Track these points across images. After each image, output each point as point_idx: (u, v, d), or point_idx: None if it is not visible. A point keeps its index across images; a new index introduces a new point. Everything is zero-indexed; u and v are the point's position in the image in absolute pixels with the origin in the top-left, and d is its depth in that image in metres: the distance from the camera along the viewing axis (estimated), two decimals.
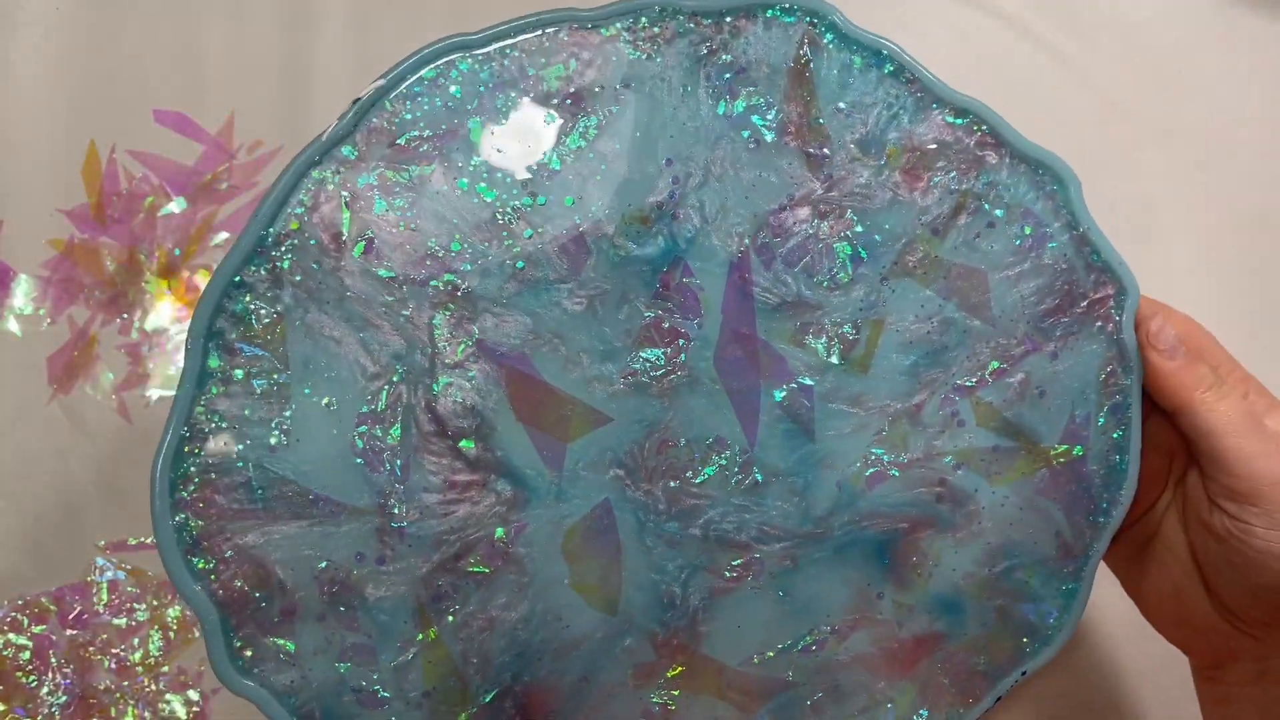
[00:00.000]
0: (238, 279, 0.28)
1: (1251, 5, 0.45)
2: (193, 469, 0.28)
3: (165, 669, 0.41)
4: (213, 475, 0.28)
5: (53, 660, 0.40)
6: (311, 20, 0.43)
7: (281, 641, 0.28)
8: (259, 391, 0.28)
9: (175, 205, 0.42)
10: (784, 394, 0.30)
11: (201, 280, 0.42)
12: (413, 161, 0.28)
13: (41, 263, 0.41)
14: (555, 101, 0.29)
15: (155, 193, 0.42)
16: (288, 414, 0.28)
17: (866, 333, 0.30)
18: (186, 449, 0.28)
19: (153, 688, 0.40)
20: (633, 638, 0.30)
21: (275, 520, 0.28)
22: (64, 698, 0.39)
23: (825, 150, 0.30)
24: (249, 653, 0.28)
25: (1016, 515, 0.31)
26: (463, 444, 0.29)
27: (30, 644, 0.40)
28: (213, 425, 0.28)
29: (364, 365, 0.29)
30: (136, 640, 0.41)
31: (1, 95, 0.42)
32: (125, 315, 0.42)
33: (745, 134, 0.30)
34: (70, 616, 0.41)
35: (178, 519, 0.28)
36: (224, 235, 0.42)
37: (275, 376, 0.28)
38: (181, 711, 0.40)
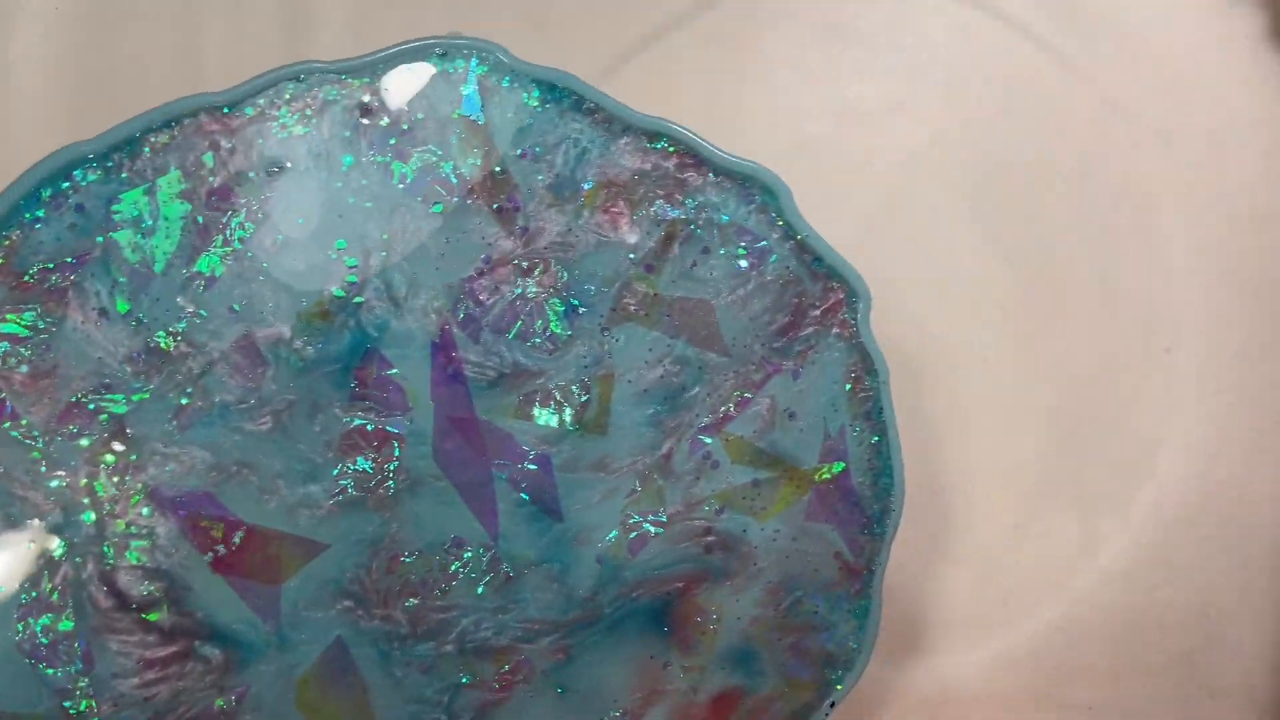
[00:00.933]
0: None
1: (1252, 5, 0.45)
2: None
3: None
4: None
5: None
6: (311, 21, 0.42)
7: None
8: None
9: None
10: (519, 475, 0.27)
11: None
12: (41, 299, 0.24)
13: None
14: (200, 200, 0.25)
15: None
16: None
17: (597, 390, 0.28)
18: None
19: None
20: None
21: None
22: None
23: (515, 202, 0.27)
24: None
25: (791, 546, 0.30)
26: (150, 615, 0.25)
27: None
28: None
29: (22, 547, 0.24)
30: None
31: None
32: None
33: (421, 199, 0.27)
34: None
35: None
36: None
37: None
38: None
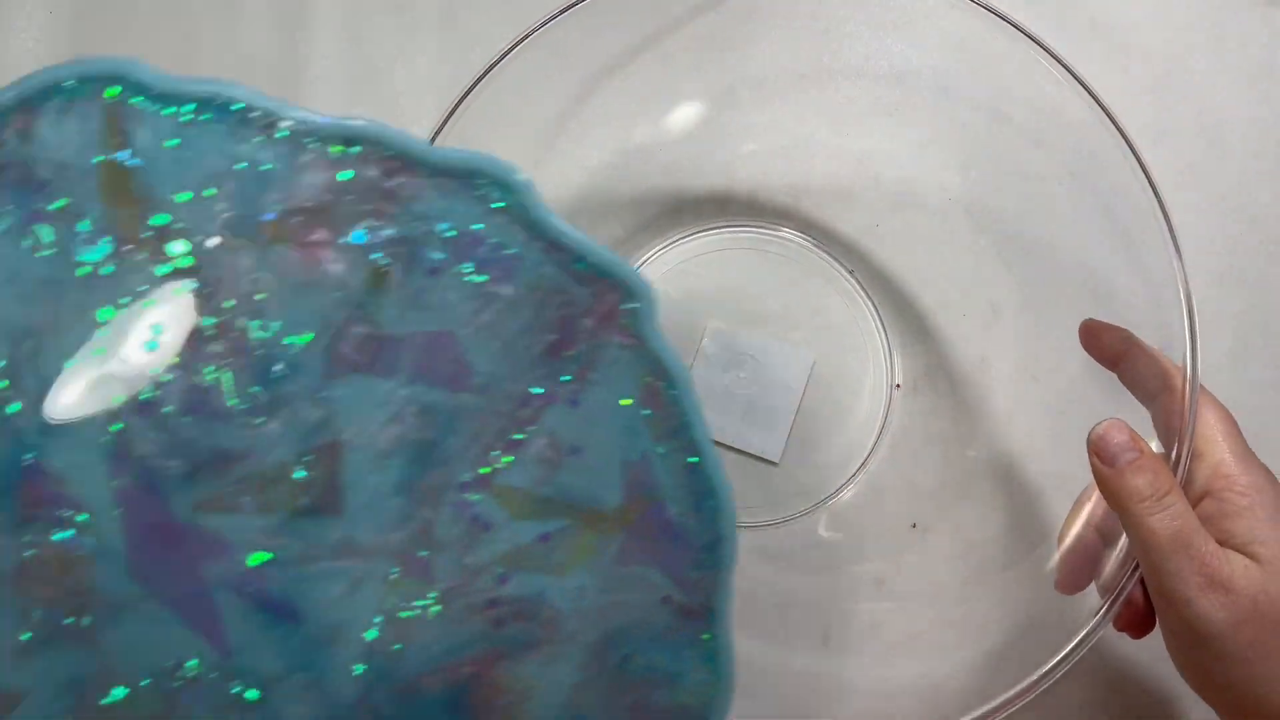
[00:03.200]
0: None
1: (1243, 6, 0.46)
2: None
3: None
4: None
5: None
6: (305, 21, 0.43)
7: None
8: None
9: None
10: (241, 578, 0.23)
11: None
12: None
13: None
14: None
15: None
16: None
17: (321, 463, 0.23)
18: None
19: None
20: None
21: None
22: None
23: (187, 253, 0.23)
24: None
25: (604, 601, 0.25)
26: None
27: None
28: None
29: None
30: None
31: None
32: None
33: (74, 268, 0.22)
34: None
35: None
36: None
37: None
38: None
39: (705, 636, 0.26)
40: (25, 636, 0.23)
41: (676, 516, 0.25)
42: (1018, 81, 0.43)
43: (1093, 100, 0.41)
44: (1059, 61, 0.41)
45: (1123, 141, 0.41)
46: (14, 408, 0.22)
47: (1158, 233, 0.39)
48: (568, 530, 0.25)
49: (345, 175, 0.23)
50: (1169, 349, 0.33)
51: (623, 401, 0.25)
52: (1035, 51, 0.42)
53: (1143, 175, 0.40)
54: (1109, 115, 0.41)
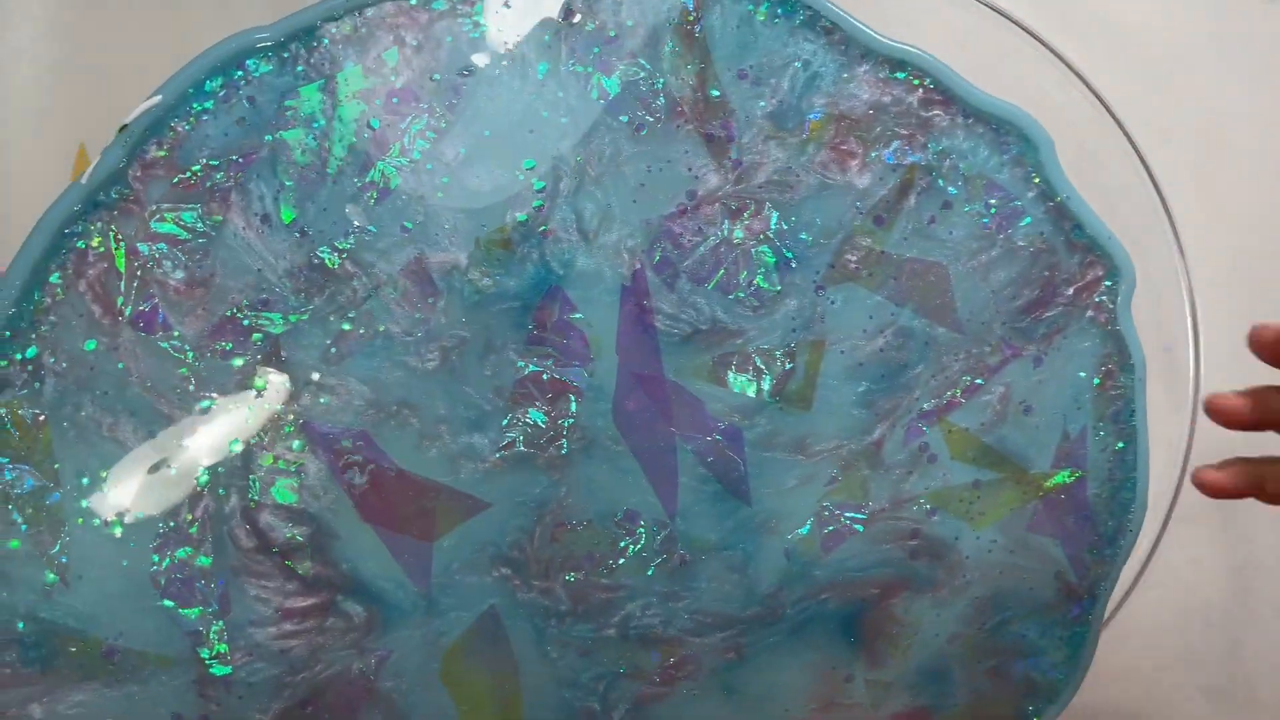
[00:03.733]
0: None
1: (1245, 5, 0.45)
2: None
3: None
4: None
5: None
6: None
7: None
8: (22, 518, 0.22)
9: None
10: (706, 448, 0.24)
11: None
12: (202, 198, 0.22)
13: None
14: (380, 101, 0.22)
15: None
16: (63, 545, 0.22)
17: (804, 358, 0.24)
18: None
19: None
20: None
21: (61, 684, 0.22)
22: None
23: (730, 129, 0.24)
24: None
25: (1007, 560, 0.26)
26: (295, 560, 0.22)
27: None
28: None
29: (163, 470, 0.22)
30: None
31: None
32: None
33: (625, 118, 0.23)
34: None
35: None
36: None
37: (42, 497, 0.22)
38: None
39: (1078, 621, 0.27)
40: (506, 452, 0.23)
41: (1093, 498, 0.26)
42: (1020, 80, 0.43)
43: (1096, 99, 0.40)
44: (1062, 60, 0.40)
45: (1126, 140, 0.40)
46: (545, 228, 0.23)
47: (1161, 232, 0.38)
48: (996, 483, 0.26)
49: (889, 96, 0.24)
50: (1171, 349, 0.32)
51: (1080, 373, 0.25)
52: (1038, 50, 0.40)
53: (1146, 174, 0.39)
54: (1112, 114, 0.40)
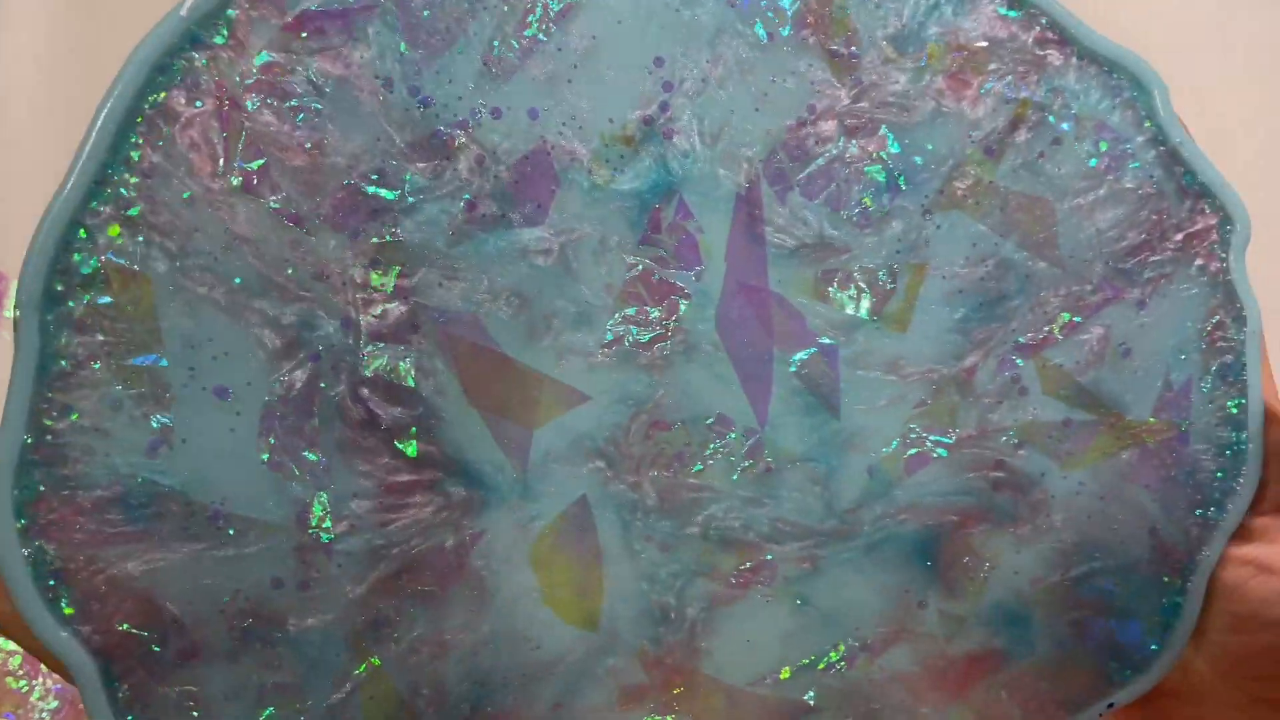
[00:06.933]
0: (80, 228, 0.21)
1: (1247, 4, 0.46)
2: (44, 485, 0.22)
3: None
4: (73, 491, 0.22)
5: (43, 665, 0.39)
6: None
7: (182, 689, 0.23)
8: (126, 378, 0.22)
9: None
10: (802, 360, 0.25)
11: None
12: (315, 48, 0.22)
13: None
14: None
15: None
16: (168, 408, 0.23)
17: (905, 280, 0.25)
18: (34, 458, 0.22)
19: None
20: (618, 657, 0.25)
21: (162, 544, 0.23)
22: (54, 703, 0.40)
23: (853, 49, 0.24)
24: (139, 705, 0.23)
25: (1096, 506, 0.27)
26: (402, 439, 0.23)
27: (20, 649, 0.39)
28: (67, 426, 0.22)
29: (264, 340, 0.23)
30: None
31: None
32: None
33: (756, 25, 0.23)
34: None
35: (30, 549, 0.22)
36: None
37: (146, 358, 0.22)
38: None
39: (1173, 587, 0.27)
40: (611, 349, 0.24)
41: (1196, 455, 0.26)
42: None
43: None
44: None
45: None
46: (667, 128, 0.24)
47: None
48: (1088, 425, 0.26)
49: (1005, 32, 0.25)
50: None
51: (1187, 323, 0.26)
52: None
53: None
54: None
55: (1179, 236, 0.26)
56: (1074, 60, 0.25)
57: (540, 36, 0.23)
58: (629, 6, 0.23)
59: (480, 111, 0.23)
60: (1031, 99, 0.25)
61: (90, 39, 0.42)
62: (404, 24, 0.22)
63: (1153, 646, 0.27)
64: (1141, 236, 0.26)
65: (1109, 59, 0.25)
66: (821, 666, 0.27)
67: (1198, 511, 0.27)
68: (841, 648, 0.26)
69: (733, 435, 0.25)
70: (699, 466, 0.25)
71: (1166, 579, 0.27)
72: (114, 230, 0.22)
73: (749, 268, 0.25)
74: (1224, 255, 0.26)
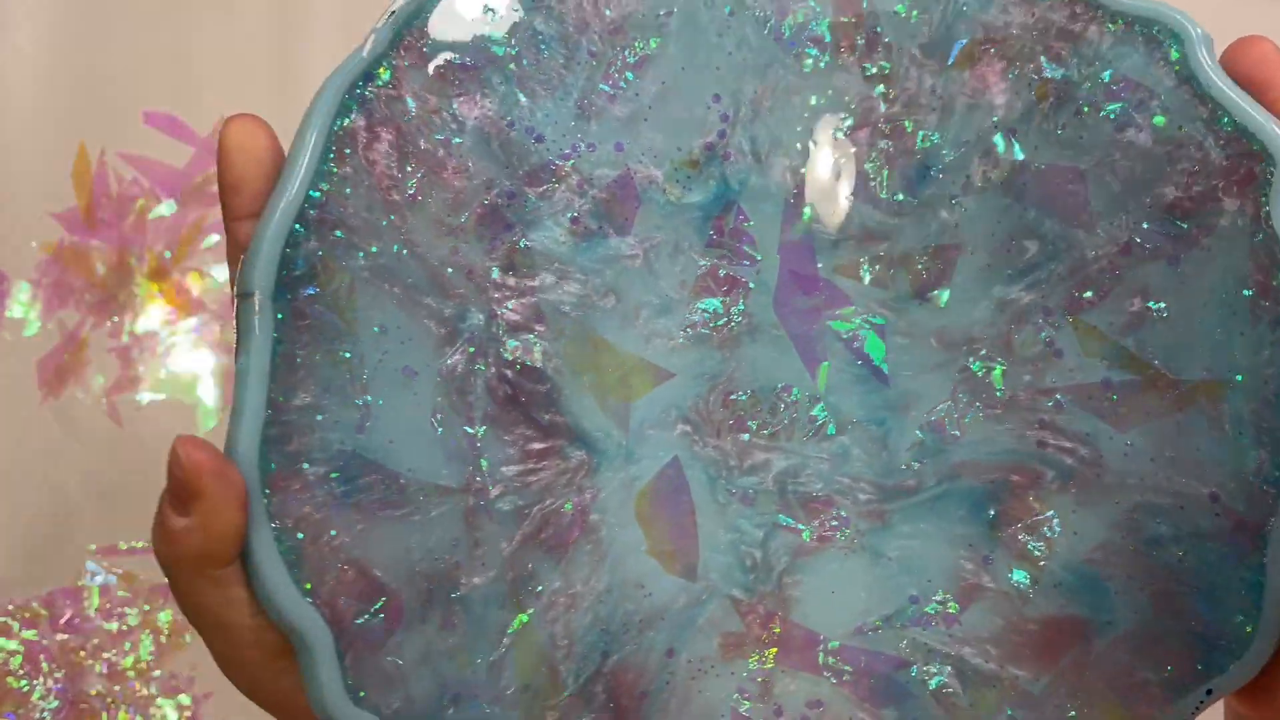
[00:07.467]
0: (299, 226, 0.25)
1: (1248, 4, 0.47)
2: (276, 463, 0.25)
3: (157, 673, 0.41)
4: (303, 467, 0.25)
5: (44, 665, 0.41)
6: (303, 21, 0.44)
7: (390, 658, 0.25)
8: (338, 362, 0.26)
9: (165, 208, 0.43)
10: (850, 333, 0.29)
11: (194, 284, 0.42)
12: (454, 93, 0.27)
13: (32, 266, 0.42)
14: (596, 32, 0.28)
15: (146, 195, 0.43)
16: (366, 388, 0.26)
17: (941, 260, 0.28)
18: (269, 434, 0.25)
19: (144, 692, 0.41)
20: (716, 604, 0.29)
21: (368, 514, 0.26)
22: (55, 702, 0.39)
23: (885, 63, 0.28)
24: (360, 679, 0.25)
25: (1148, 469, 0.27)
26: (536, 411, 0.28)
27: (21, 649, 0.39)
28: (296, 405, 0.25)
29: (431, 328, 0.27)
30: (128, 644, 0.41)
31: None
32: (116, 318, 0.42)
33: (797, 56, 0.28)
34: (61, 620, 0.41)
35: (273, 526, 0.24)
36: (215, 238, 0.43)
37: (350, 342, 0.26)
38: (173, 716, 0.41)
39: (1250, 561, 0.25)
40: (689, 332, 0.29)
41: (1251, 415, 0.25)
42: None
43: None
44: None
45: None
46: (725, 152, 0.29)
47: None
48: (1132, 385, 0.27)
49: (1033, 16, 0.27)
50: None
51: (1229, 278, 0.25)
52: None
53: None
54: None
55: (1217, 185, 0.25)
56: (1107, 28, 0.26)
57: (621, 85, 0.29)
58: (690, 55, 0.29)
59: (579, 145, 0.29)
60: (1054, 78, 0.27)
61: (90, 39, 0.42)
62: (516, 76, 0.28)
63: (1247, 629, 0.24)
64: (1177, 192, 0.26)
65: (1140, 16, 0.26)
66: (906, 618, 0.28)
67: (1261, 478, 0.25)
68: (921, 600, 0.28)
69: (796, 399, 0.29)
70: (770, 430, 0.30)
71: (1243, 551, 0.25)
72: (322, 231, 0.26)
73: (799, 260, 0.29)
74: (1265, 197, 0.25)
